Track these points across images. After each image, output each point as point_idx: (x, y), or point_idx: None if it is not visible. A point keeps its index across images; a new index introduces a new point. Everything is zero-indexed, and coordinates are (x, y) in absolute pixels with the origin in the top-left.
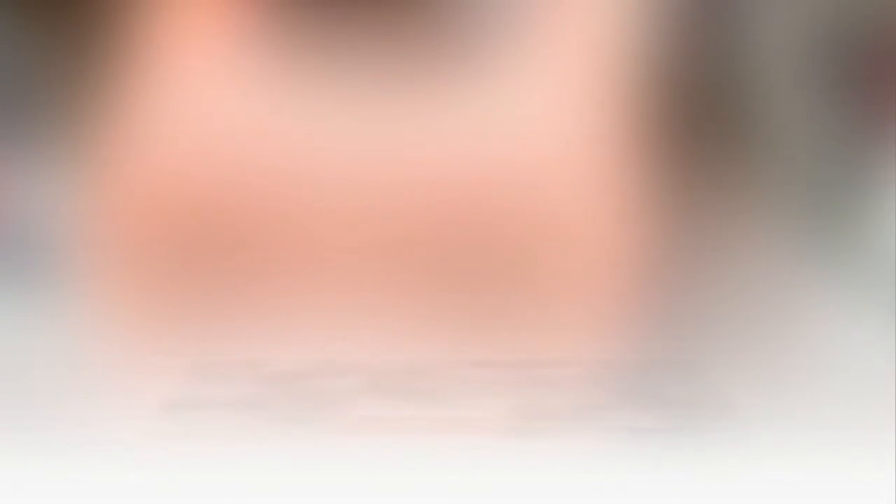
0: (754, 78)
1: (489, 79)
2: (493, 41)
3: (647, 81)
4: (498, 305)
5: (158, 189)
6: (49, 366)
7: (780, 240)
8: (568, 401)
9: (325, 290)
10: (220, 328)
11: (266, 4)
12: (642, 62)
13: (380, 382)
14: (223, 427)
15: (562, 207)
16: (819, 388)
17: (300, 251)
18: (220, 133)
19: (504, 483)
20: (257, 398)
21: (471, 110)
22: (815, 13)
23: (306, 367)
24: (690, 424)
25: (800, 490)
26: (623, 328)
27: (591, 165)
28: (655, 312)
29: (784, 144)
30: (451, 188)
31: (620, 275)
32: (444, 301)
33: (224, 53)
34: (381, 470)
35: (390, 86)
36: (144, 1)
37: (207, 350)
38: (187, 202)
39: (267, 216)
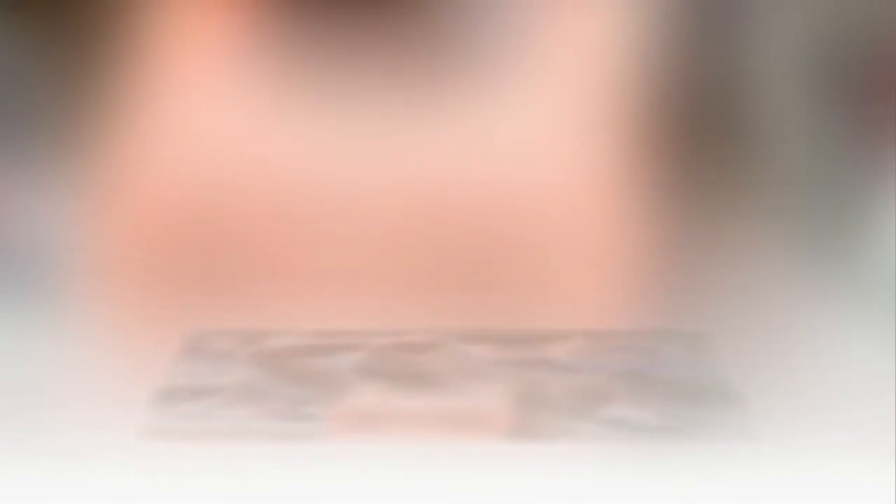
0: (755, 88)
1: (491, 90)
2: (495, 54)
3: (648, 94)
4: (495, 288)
5: (161, 193)
6: (49, 368)
7: (781, 244)
8: (569, 388)
9: (325, 276)
10: (220, 310)
11: (269, 18)
12: (642, 75)
13: (378, 362)
14: (219, 426)
15: (560, 211)
16: (820, 391)
17: (300, 250)
18: (220, 142)
19: (505, 485)
20: (254, 387)
21: (471, 120)
22: (816, 24)
23: (303, 343)
24: (693, 421)
25: (801, 490)
26: (621, 308)
27: (590, 171)
28: (656, 311)
29: (785, 153)
30: (451, 192)
31: (618, 272)
32: (441, 282)
33: (226, 65)
34: (380, 470)
35: (392, 98)
36: (146, 15)
37: (207, 325)
38: (188, 207)
39: (268, 219)
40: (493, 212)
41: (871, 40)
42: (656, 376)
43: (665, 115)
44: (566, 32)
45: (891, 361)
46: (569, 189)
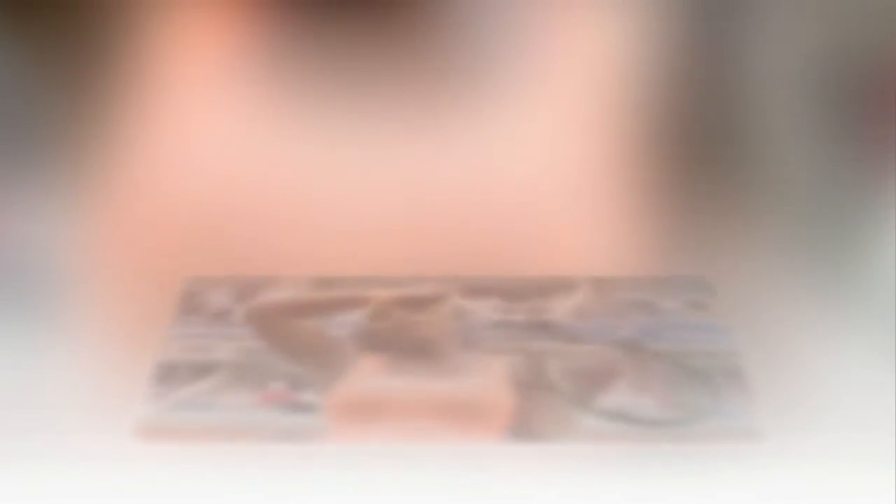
0: (755, 106)
1: (492, 95)
2: (497, 59)
3: (650, 100)
4: (497, 239)
5: (160, 197)
6: (45, 365)
7: (781, 247)
8: (570, 366)
9: (326, 263)
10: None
11: (270, 27)
12: (645, 81)
13: (378, 326)
14: (215, 423)
15: (561, 205)
16: (822, 397)
17: (300, 238)
18: (220, 149)
19: (505, 485)
20: (250, 364)
21: (472, 125)
22: (818, 28)
23: (302, 298)
24: (693, 411)
25: (801, 491)
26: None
27: (593, 173)
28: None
29: (786, 156)
30: (452, 188)
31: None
32: (442, 234)
33: (227, 73)
34: (380, 470)
35: (395, 113)
36: (147, 22)
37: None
38: (188, 209)
39: (269, 217)
40: (495, 203)
41: (873, 44)
42: (659, 347)
43: (667, 121)
44: (568, 39)
45: (891, 361)
46: (570, 187)
